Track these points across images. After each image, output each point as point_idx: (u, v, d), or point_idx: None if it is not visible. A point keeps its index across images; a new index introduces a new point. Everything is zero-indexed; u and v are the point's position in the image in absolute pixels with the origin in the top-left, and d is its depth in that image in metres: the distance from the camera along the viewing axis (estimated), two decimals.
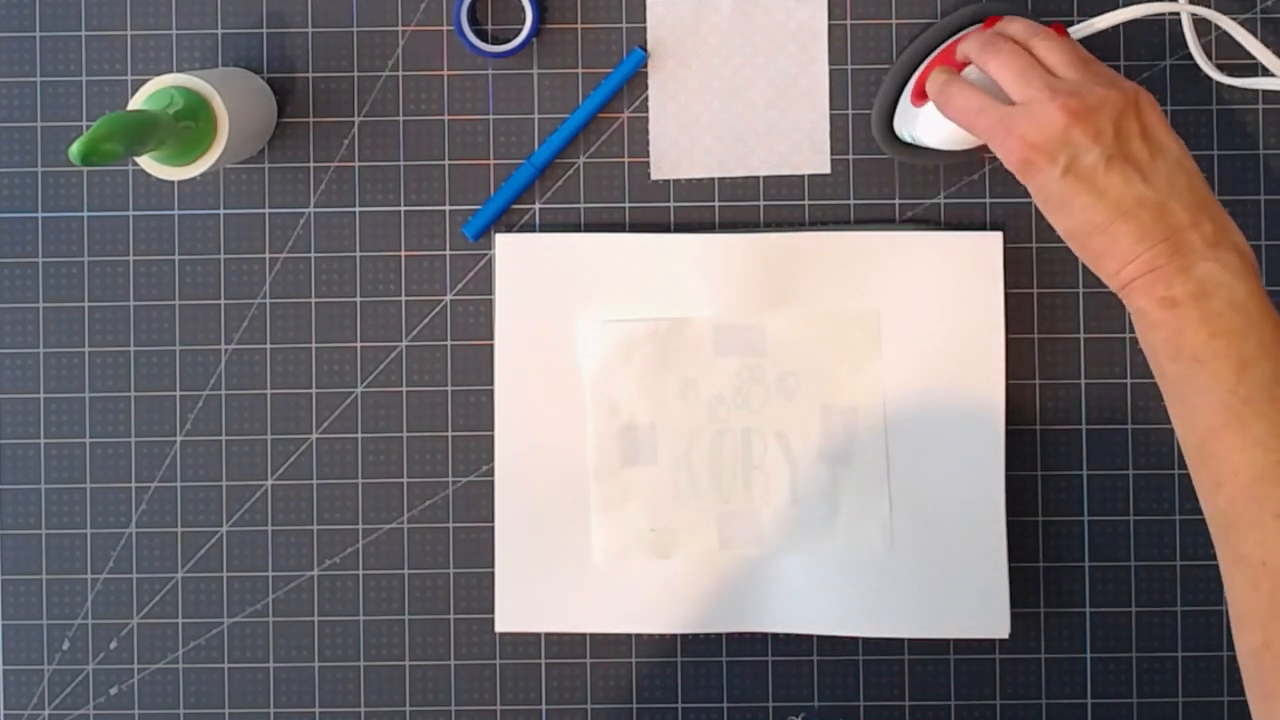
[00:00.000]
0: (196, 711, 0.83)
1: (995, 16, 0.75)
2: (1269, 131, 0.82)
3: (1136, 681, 0.82)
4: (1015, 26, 0.73)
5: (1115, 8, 0.82)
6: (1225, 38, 0.82)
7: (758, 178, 0.83)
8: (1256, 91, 0.82)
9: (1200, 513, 0.81)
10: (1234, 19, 0.82)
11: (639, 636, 0.82)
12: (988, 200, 0.83)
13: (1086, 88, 0.67)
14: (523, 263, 0.82)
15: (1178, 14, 0.80)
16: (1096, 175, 0.66)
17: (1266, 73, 0.80)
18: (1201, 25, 0.81)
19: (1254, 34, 0.81)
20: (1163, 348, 0.65)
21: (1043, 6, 0.82)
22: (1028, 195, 0.82)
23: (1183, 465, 0.82)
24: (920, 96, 0.77)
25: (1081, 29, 0.77)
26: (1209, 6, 0.82)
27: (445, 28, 0.83)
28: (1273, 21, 0.82)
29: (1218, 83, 0.81)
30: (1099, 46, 0.79)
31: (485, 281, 0.83)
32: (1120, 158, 0.66)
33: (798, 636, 0.82)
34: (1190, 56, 0.81)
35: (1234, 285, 0.64)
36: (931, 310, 0.81)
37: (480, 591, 0.83)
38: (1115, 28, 0.81)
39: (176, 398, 0.83)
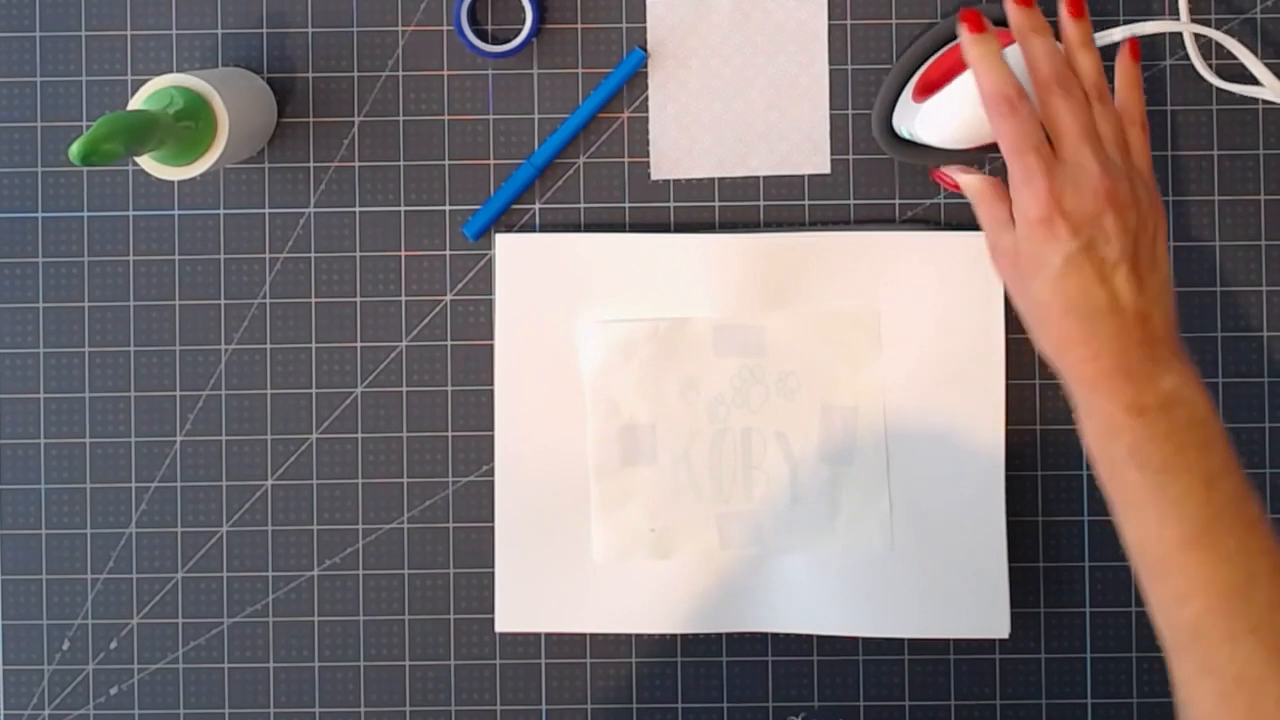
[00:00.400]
0: (196, 711, 0.83)
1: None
2: (1268, 132, 0.82)
3: (1136, 681, 0.82)
4: (1090, 63, 0.70)
5: (1116, 15, 0.82)
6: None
7: (758, 178, 0.83)
8: None
9: None
10: (1234, 18, 0.82)
11: (639, 636, 0.82)
12: None
13: (1135, 181, 0.67)
14: (523, 263, 0.82)
15: (1179, 31, 0.81)
16: (1105, 267, 0.66)
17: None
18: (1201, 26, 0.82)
19: (1254, 33, 0.81)
20: (1127, 455, 0.65)
21: (1042, 7, 0.82)
22: None
23: None
24: (922, 92, 0.77)
25: None
26: (1210, 12, 0.82)
27: (445, 28, 0.83)
28: (1273, 21, 0.82)
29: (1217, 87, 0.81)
30: (1100, 52, 0.79)
31: (485, 281, 0.83)
32: (1129, 260, 0.66)
33: (798, 636, 0.82)
34: (1189, 57, 0.81)
35: (1197, 399, 0.65)
36: (931, 310, 0.81)
37: (480, 591, 0.83)
38: None
39: (176, 398, 0.83)
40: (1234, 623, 0.62)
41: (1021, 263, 0.68)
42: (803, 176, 0.83)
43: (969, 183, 0.72)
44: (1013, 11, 0.70)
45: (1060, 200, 0.66)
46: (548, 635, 0.83)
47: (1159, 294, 0.67)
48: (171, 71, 0.83)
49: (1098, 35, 0.77)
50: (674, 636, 0.82)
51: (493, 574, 0.82)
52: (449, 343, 0.83)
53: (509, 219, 0.83)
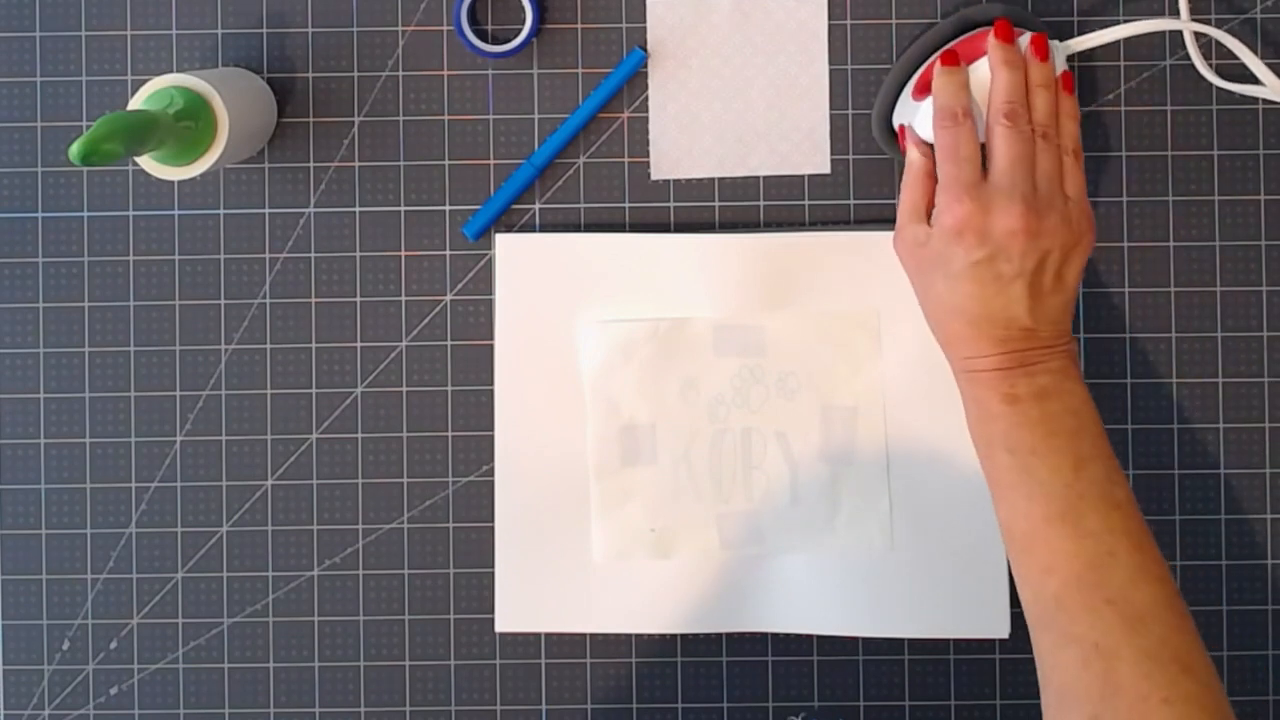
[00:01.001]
0: (196, 711, 0.83)
1: (1005, 20, 0.75)
2: (1268, 132, 0.82)
3: None
4: (1043, 74, 0.74)
5: (1115, 11, 0.82)
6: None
7: (758, 178, 0.83)
8: None
9: (1201, 512, 0.82)
10: (1234, 17, 0.82)
11: (639, 636, 0.82)
12: None
13: (1051, 210, 0.71)
14: (523, 263, 0.82)
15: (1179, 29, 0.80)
16: (1001, 281, 0.71)
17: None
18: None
19: (1254, 32, 0.81)
20: (999, 439, 0.70)
21: (1042, 7, 0.82)
22: None
23: (1183, 466, 0.82)
24: (922, 91, 0.77)
25: (1082, 42, 0.77)
26: (1210, 12, 0.82)
27: (445, 28, 0.83)
28: (1273, 21, 0.82)
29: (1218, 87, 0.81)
30: (1099, 52, 0.79)
31: (485, 281, 0.83)
32: (1028, 280, 0.70)
33: (798, 636, 0.82)
34: (1189, 57, 0.81)
35: (1071, 390, 0.71)
36: None
37: (480, 591, 0.83)
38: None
39: (176, 398, 0.83)
40: (1093, 595, 0.66)
41: (927, 256, 0.72)
42: (803, 176, 0.83)
43: (912, 156, 0.76)
44: (992, 43, 0.75)
45: (974, 214, 0.70)
46: (548, 635, 0.83)
47: (1055, 313, 0.71)
48: (171, 71, 0.83)
49: (1096, 35, 0.77)
50: (674, 636, 0.82)
51: (493, 574, 0.82)
52: (449, 343, 0.83)
53: (509, 219, 0.83)
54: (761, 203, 0.83)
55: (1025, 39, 0.75)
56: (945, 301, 0.72)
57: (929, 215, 0.74)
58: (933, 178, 0.74)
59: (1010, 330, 0.71)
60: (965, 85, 0.74)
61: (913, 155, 0.76)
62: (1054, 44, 0.77)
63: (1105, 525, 0.67)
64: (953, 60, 0.75)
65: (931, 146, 0.74)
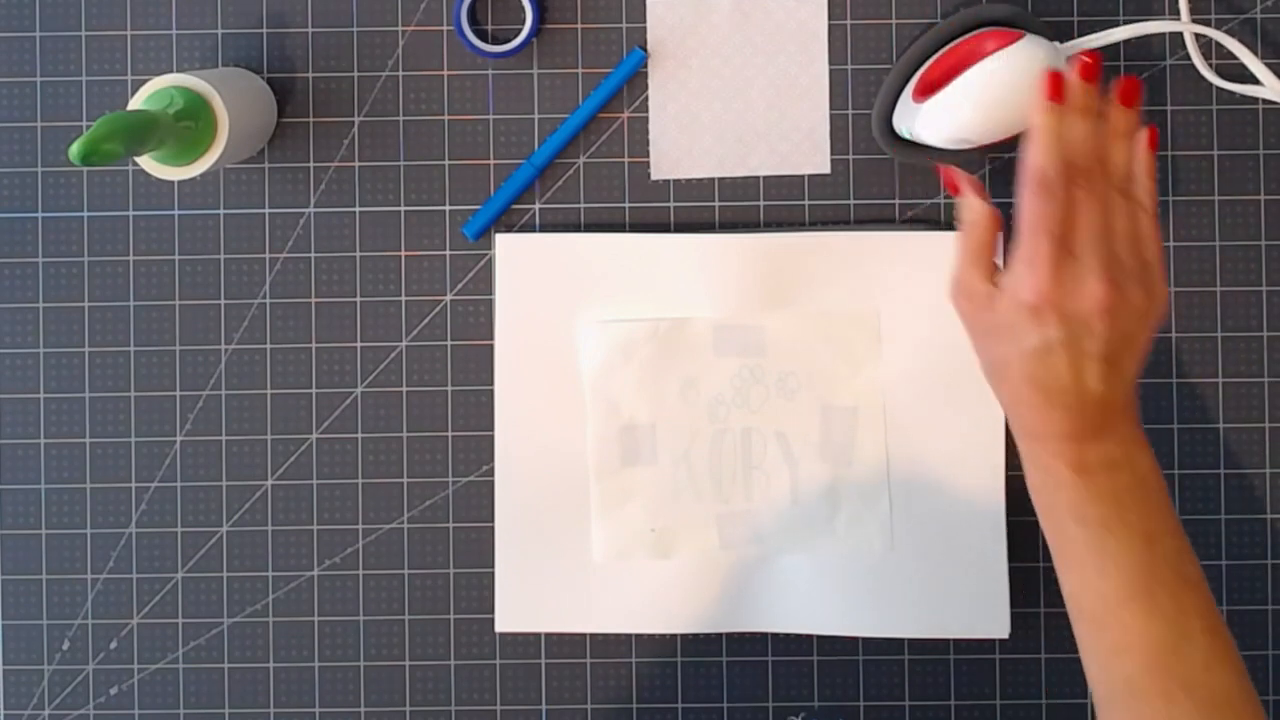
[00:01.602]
0: (196, 711, 0.83)
1: (1007, 31, 0.75)
2: (1268, 132, 0.82)
3: None
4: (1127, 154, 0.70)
5: (1115, 12, 0.82)
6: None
7: (758, 178, 0.83)
8: None
9: (1201, 512, 0.82)
10: (1234, 17, 0.82)
11: (639, 636, 0.82)
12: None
13: (1133, 281, 0.66)
14: (523, 263, 0.82)
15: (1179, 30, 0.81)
16: (1081, 359, 0.66)
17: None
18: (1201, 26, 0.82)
19: (1254, 32, 0.82)
20: (1067, 509, 0.66)
21: (1042, 7, 0.82)
22: None
23: (1183, 466, 0.82)
24: (922, 93, 0.77)
25: (1083, 44, 0.77)
26: (1210, 12, 0.82)
27: (445, 28, 0.83)
28: (1273, 21, 0.82)
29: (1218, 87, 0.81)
30: (1099, 52, 0.79)
31: (485, 281, 0.83)
32: (1109, 359, 0.66)
33: (798, 636, 0.82)
34: (1189, 57, 0.81)
35: (1140, 458, 0.67)
36: (931, 310, 0.81)
37: (480, 591, 0.83)
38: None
39: (176, 398, 0.83)
40: (1168, 680, 0.64)
41: (994, 322, 0.68)
42: (803, 176, 0.83)
43: (972, 204, 0.71)
44: (1073, 83, 0.70)
45: (1055, 293, 0.66)
46: (548, 635, 0.83)
47: (1127, 382, 0.67)
48: (171, 71, 0.83)
49: (1098, 36, 0.77)
50: (674, 636, 0.82)
51: (493, 574, 0.82)
52: (449, 343, 0.83)
53: (509, 219, 0.83)
54: (761, 203, 0.83)
55: (1073, 74, 0.70)
56: (1015, 369, 0.67)
57: (991, 265, 0.69)
58: (996, 224, 0.70)
59: (1084, 399, 0.66)
60: (1060, 138, 0.68)
61: (970, 202, 0.71)
62: (1054, 45, 0.77)
63: (1178, 606, 0.64)
64: (1056, 92, 0.68)
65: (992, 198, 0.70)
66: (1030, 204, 0.67)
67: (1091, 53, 0.70)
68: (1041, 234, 0.66)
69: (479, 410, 0.83)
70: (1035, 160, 0.68)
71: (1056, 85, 0.69)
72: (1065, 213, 0.67)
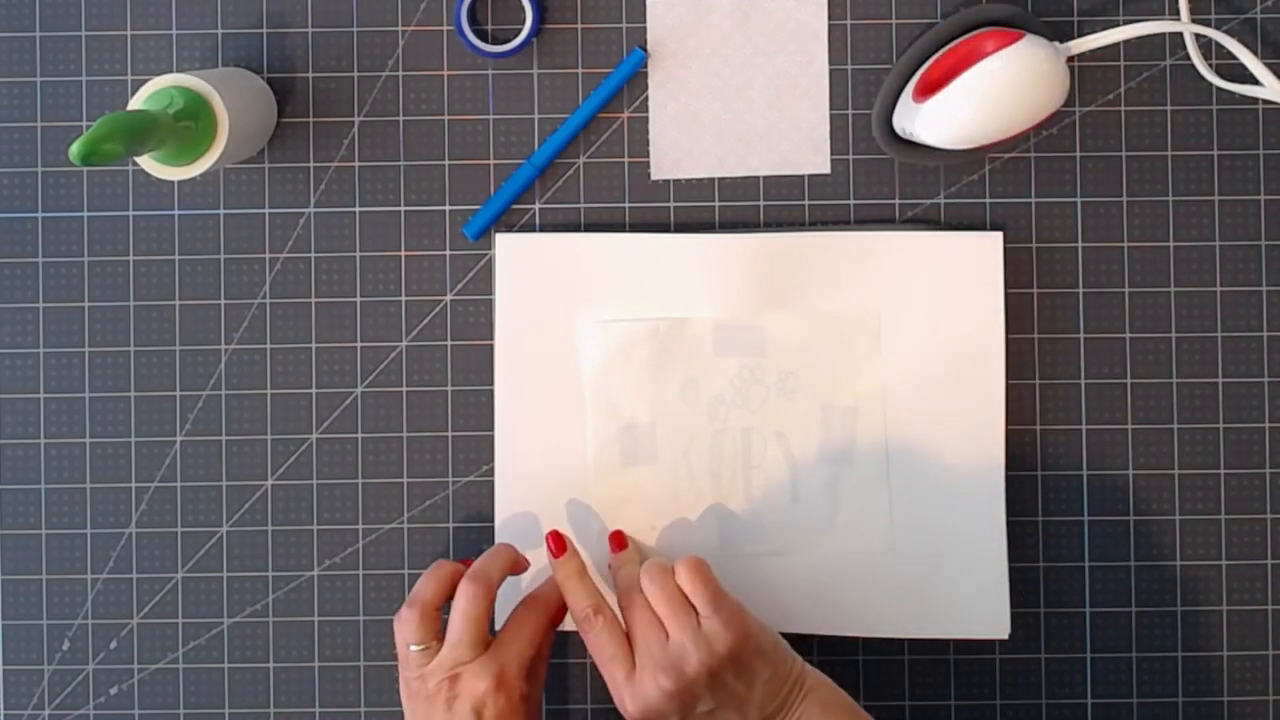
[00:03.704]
0: (196, 711, 0.83)
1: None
2: (1268, 132, 0.82)
3: (1136, 681, 0.82)
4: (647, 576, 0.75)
5: (1115, 12, 0.82)
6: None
7: (758, 178, 0.83)
8: None
9: (1201, 512, 0.82)
10: (1234, 18, 0.82)
11: None
12: (988, 200, 0.83)
13: (685, 657, 0.72)
14: (523, 263, 0.82)
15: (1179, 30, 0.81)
16: (710, 717, 0.73)
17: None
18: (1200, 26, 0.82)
19: (1254, 32, 0.82)
20: None
21: (1042, 7, 0.82)
22: (1028, 195, 0.82)
23: (1183, 465, 0.82)
24: (922, 93, 0.77)
25: (1083, 44, 0.77)
26: (1210, 12, 0.82)
27: (445, 28, 0.83)
28: (1273, 21, 0.82)
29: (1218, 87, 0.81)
30: (1099, 52, 0.79)
31: (485, 281, 0.83)
32: (723, 703, 0.72)
33: (797, 636, 0.82)
34: (1189, 57, 0.81)
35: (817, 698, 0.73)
36: (931, 310, 0.81)
37: None
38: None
39: (176, 398, 0.83)
40: None
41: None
42: (803, 176, 0.83)
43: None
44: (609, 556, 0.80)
45: (639, 706, 0.72)
46: None
47: (762, 697, 0.72)
48: (171, 71, 0.83)
49: (1097, 37, 0.77)
50: None
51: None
52: (449, 343, 0.83)
53: (509, 219, 0.83)
54: (761, 203, 0.83)
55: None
56: None
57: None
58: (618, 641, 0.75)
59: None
60: (584, 578, 0.77)
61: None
62: (1054, 45, 0.77)
63: None
64: (560, 548, 0.78)
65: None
66: (588, 642, 0.75)
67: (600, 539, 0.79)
68: (604, 663, 0.74)
69: (479, 410, 0.83)
70: (571, 605, 0.76)
71: (557, 541, 0.78)
72: (619, 638, 0.74)
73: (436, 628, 0.75)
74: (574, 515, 0.82)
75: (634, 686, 0.73)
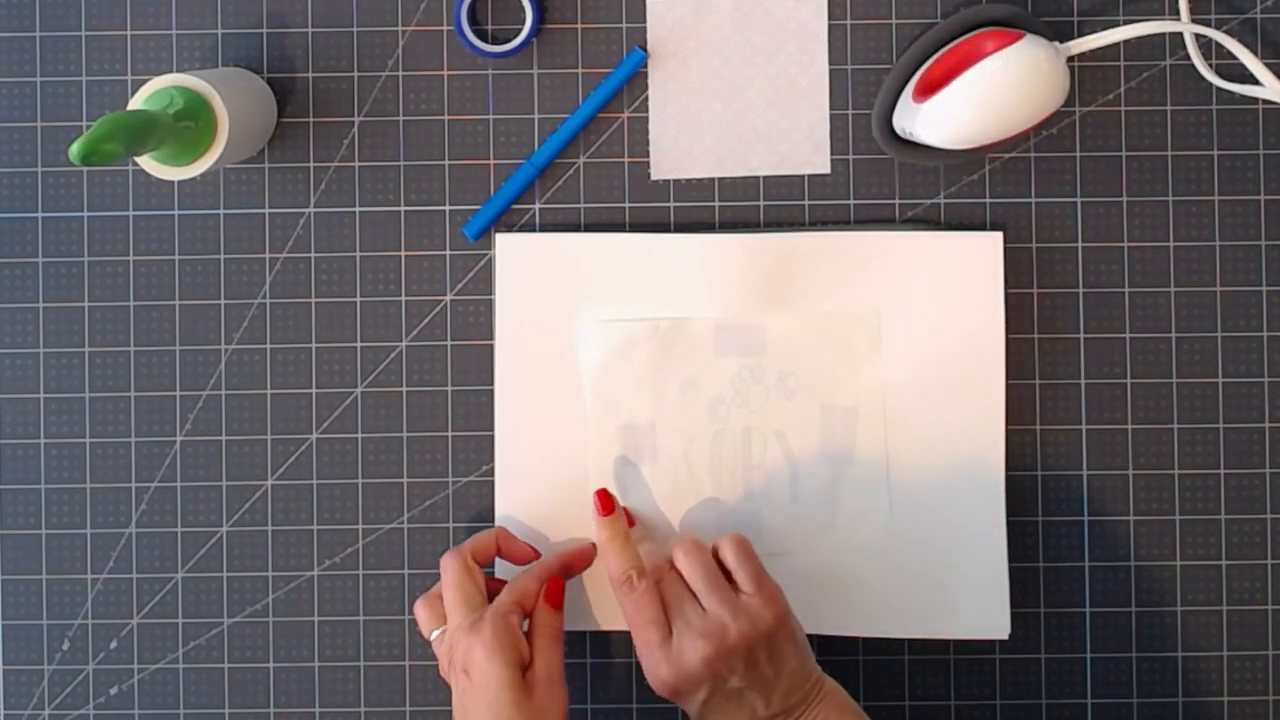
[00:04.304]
0: (196, 711, 0.83)
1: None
2: (1268, 132, 0.82)
3: (1136, 681, 0.82)
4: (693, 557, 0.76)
5: (1115, 12, 0.82)
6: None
7: (758, 178, 0.83)
8: None
9: (1200, 512, 0.82)
10: (1234, 18, 0.82)
11: None
12: (988, 200, 0.83)
13: (724, 622, 0.72)
14: (523, 263, 0.82)
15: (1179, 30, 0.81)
16: (737, 698, 0.73)
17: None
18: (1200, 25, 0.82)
19: (1254, 32, 0.82)
20: None
21: (1042, 7, 0.82)
22: (1028, 195, 0.82)
23: (1183, 465, 0.82)
24: (922, 93, 0.77)
25: (1083, 44, 0.77)
26: (1210, 12, 0.82)
27: (445, 28, 0.83)
28: (1273, 21, 0.82)
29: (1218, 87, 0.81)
30: (1099, 52, 0.79)
31: (485, 281, 0.83)
32: (752, 683, 0.72)
33: None
34: (1189, 57, 0.81)
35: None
36: (931, 310, 0.81)
37: None
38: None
39: (176, 398, 0.83)
40: None
41: (674, 688, 0.74)
42: (803, 176, 0.83)
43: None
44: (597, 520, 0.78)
45: (670, 673, 0.73)
46: None
47: (787, 681, 0.73)
48: (171, 71, 0.83)
49: (1097, 37, 0.77)
50: None
51: (493, 574, 0.82)
52: (449, 343, 0.83)
53: (509, 219, 0.83)
54: (761, 203, 0.83)
55: None
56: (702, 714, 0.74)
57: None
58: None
59: (763, 713, 0.73)
60: (630, 543, 0.77)
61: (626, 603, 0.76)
62: (1054, 45, 0.77)
63: None
64: (608, 507, 0.78)
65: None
66: (621, 603, 0.75)
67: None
68: (640, 626, 0.74)
69: (479, 410, 0.83)
70: (611, 567, 0.76)
71: (605, 500, 0.79)
72: (656, 603, 0.74)
73: (442, 611, 0.76)
74: (574, 515, 0.82)
75: (671, 651, 0.72)
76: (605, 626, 0.81)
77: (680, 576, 0.75)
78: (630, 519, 0.80)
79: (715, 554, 0.75)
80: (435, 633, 0.77)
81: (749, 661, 0.72)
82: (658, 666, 0.73)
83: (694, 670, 0.72)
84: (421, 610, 0.78)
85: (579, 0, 0.83)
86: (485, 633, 0.73)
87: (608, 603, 0.81)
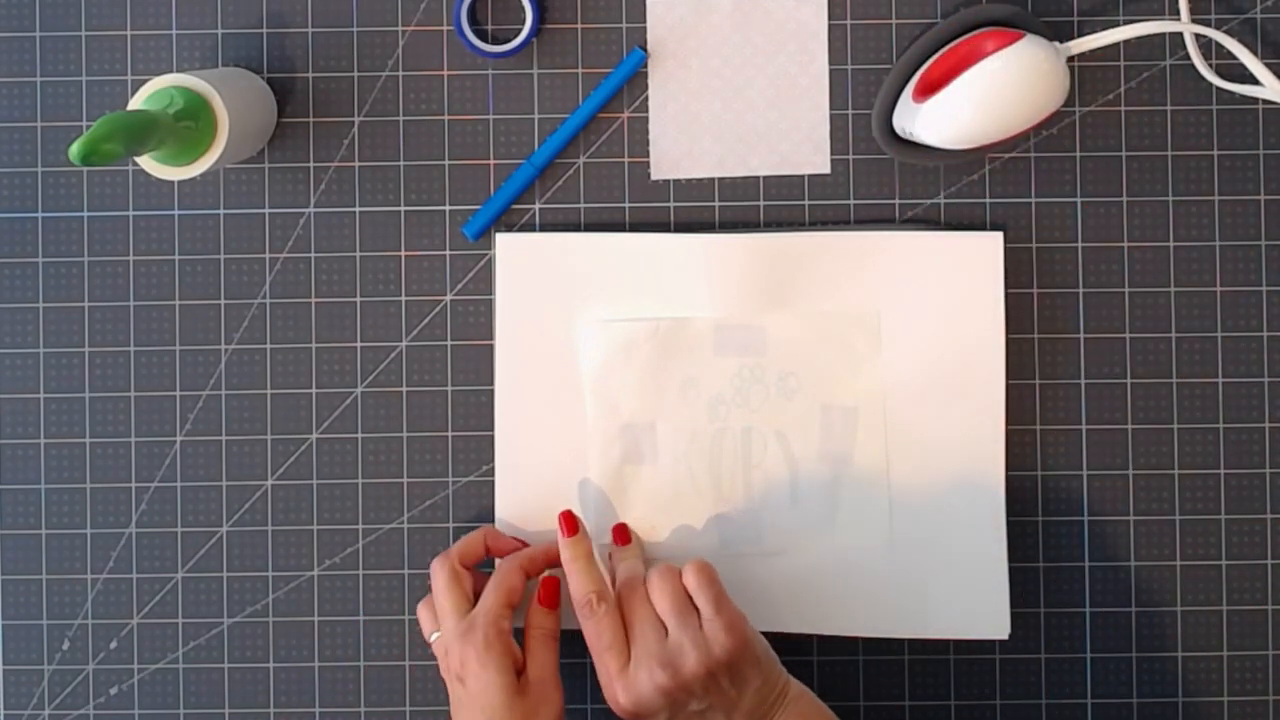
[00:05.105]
0: (196, 711, 0.83)
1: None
2: (1268, 132, 0.82)
3: (1136, 681, 0.82)
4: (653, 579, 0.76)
5: (1115, 12, 0.82)
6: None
7: (758, 178, 0.83)
8: None
9: (1200, 512, 0.82)
10: (1234, 18, 0.82)
11: None
12: (988, 200, 0.83)
13: (684, 656, 0.72)
14: (523, 263, 0.82)
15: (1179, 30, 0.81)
16: (699, 717, 0.74)
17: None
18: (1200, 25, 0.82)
19: (1254, 32, 0.82)
20: None
21: (1042, 7, 0.82)
22: (1028, 195, 0.82)
23: (1183, 466, 0.82)
24: (922, 93, 0.77)
25: (1083, 44, 0.77)
26: (1210, 12, 0.82)
27: (445, 28, 0.83)
28: (1273, 21, 0.82)
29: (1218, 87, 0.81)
30: (1099, 52, 0.79)
31: (485, 281, 0.83)
32: (714, 704, 0.73)
33: (798, 636, 0.82)
34: (1189, 57, 0.81)
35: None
36: (931, 310, 0.81)
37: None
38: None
39: (176, 398, 0.83)
40: None
41: (632, 714, 0.75)
42: (803, 176, 0.83)
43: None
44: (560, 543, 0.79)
45: (629, 703, 0.73)
46: None
47: (751, 703, 0.73)
48: (171, 71, 0.83)
49: (1097, 37, 0.77)
50: None
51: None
52: (449, 343, 0.83)
53: (509, 219, 0.83)
54: (761, 203, 0.83)
55: None
56: None
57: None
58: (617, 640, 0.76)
59: None
60: (590, 563, 0.77)
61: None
62: (1054, 45, 0.77)
63: None
64: (572, 528, 0.78)
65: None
66: (584, 629, 0.76)
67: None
68: (599, 653, 0.75)
69: (479, 410, 0.83)
70: (573, 593, 0.77)
71: (569, 522, 0.78)
72: (617, 627, 0.75)
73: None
74: None
75: (628, 679, 0.73)
76: None
77: (648, 599, 0.75)
78: (628, 536, 0.81)
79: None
80: (434, 635, 0.77)
81: (708, 687, 0.73)
82: (615, 693, 0.74)
83: (650, 699, 0.73)
84: (423, 612, 0.79)
85: (579, 0, 0.83)
86: (478, 641, 0.74)
87: None
